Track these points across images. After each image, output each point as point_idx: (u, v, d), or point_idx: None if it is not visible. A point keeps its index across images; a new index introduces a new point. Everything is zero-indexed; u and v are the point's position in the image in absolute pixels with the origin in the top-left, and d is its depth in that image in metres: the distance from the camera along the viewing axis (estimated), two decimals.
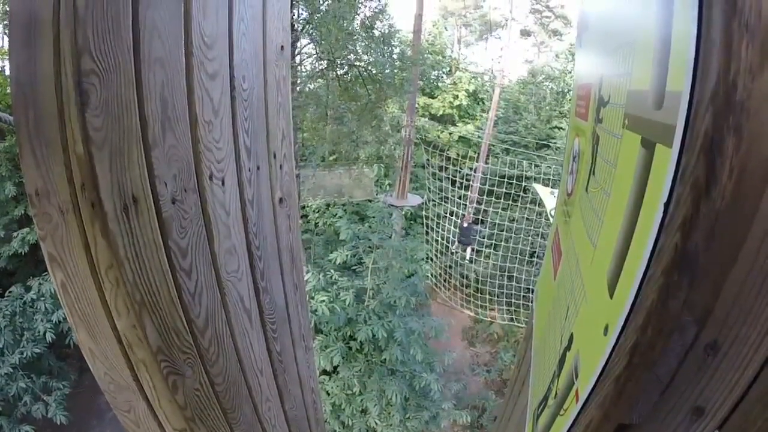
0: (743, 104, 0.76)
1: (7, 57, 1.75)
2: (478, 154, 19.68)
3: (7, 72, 12.53)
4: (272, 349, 2.21)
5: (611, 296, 1.05)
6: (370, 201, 15.84)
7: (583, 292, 1.33)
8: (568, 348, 1.35)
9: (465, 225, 17.13)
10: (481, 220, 17.92)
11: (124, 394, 1.62)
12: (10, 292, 10.86)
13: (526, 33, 26.48)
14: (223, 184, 1.73)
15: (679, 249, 0.83)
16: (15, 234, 11.92)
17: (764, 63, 0.75)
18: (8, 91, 11.53)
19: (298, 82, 12.30)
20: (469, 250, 17.83)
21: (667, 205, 0.83)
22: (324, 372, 11.24)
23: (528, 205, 17.04)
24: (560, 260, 1.88)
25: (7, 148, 12.14)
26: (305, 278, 11.04)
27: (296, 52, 12.10)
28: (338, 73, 12.50)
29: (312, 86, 12.97)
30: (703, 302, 0.90)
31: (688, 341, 0.94)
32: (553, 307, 1.81)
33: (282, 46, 2.15)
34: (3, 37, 14.41)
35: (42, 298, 10.54)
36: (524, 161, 17.28)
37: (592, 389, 1.06)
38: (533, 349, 2.21)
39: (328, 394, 11.14)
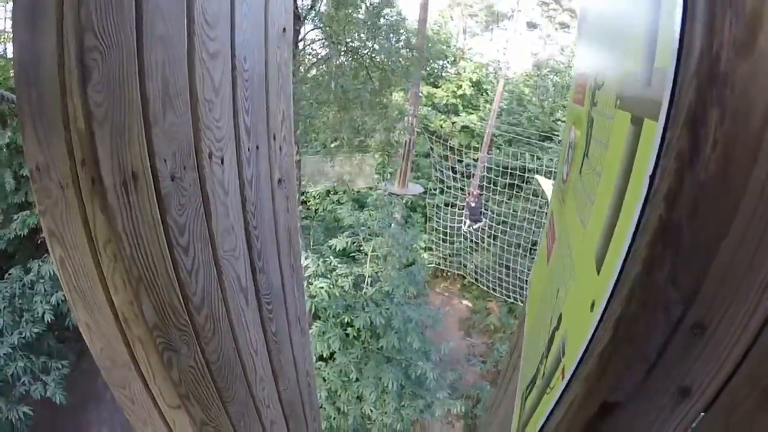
0: (726, 77, 0.77)
1: (11, 39, 1.76)
2: (481, 144, 19.65)
3: (9, 54, 12.57)
4: (267, 330, 2.23)
5: (598, 272, 1.06)
6: (370, 189, 15.85)
7: (573, 272, 1.34)
8: (557, 328, 1.37)
9: (473, 204, 17.11)
10: (482, 211, 17.91)
11: (120, 370, 1.64)
12: (9, 274, 10.94)
13: (532, 25, 26.36)
14: (222, 163, 1.74)
15: (663, 220, 0.84)
16: (15, 217, 11.96)
17: (747, 37, 0.76)
18: (11, 74, 11.56)
19: (301, 69, 12.28)
20: (482, 225, 17.75)
21: (652, 177, 0.85)
22: (321, 358, 11.30)
23: (530, 197, 17.06)
24: (554, 245, 1.90)
25: (12, 137, 12.16)
26: (304, 264, 11.09)
27: (299, 38, 12.08)
28: (342, 59, 12.48)
29: (315, 72, 12.94)
30: (690, 280, 0.91)
31: (674, 319, 0.94)
32: (545, 291, 1.82)
33: (284, 29, 2.15)
34: (4, 21, 14.40)
35: (41, 280, 10.61)
36: (527, 153, 17.29)
37: (577, 365, 1.08)
38: (525, 333, 2.23)
39: (325, 380, 11.20)
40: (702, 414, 1.01)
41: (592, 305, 1.04)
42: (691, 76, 0.78)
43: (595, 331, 1.01)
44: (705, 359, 0.96)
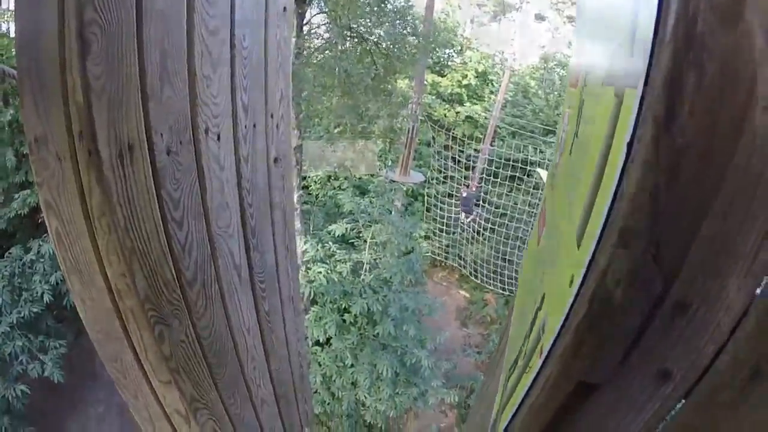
0: (704, 41, 0.77)
1: (14, 16, 1.78)
2: (484, 135, 19.59)
3: (12, 34, 12.59)
4: (260, 308, 2.24)
5: (578, 247, 1.06)
6: (372, 176, 15.83)
7: (557, 251, 1.35)
8: (539, 308, 1.37)
9: (464, 195, 17.13)
10: (482, 203, 17.90)
11: (112, 343, 1.66)
12: (9, 253, 10.98)
13: (540, 17, 26.22)
14: (218, 139, 1.75)
15: (639, 187, 0.84)
16: (16, 195, 11.97)
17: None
18: (14, 53, 11.52)
19: (305, 53, 12.24)
20: (473, 217, 17.76)
21: (630, 145, 0.84)
22: (317, 343, 11.34)
23: (531, 190, 17.04)
24: (543, 229, 1.91)
25: (14, 115, 12.14)
26: (304, 248, 11.12)
27: (305, 22, 12.03)
28: (347, 44, 12.43)
29: (320, 57, 12.89)
30: (671, 255, 0.89)
31: (654, 296, 0.93)
32: (534, 275, 1.84)
33: (284, 8, 2.16)
34: (8, 0, 14.40)
35: (41, 260, 10.65)
36: (530, 146, 17.27)
37: (554, 342, 1.08)
38: (512, 318, 2.24)
39: (320, 365, 11.24)
40: (683, 400, 1.00)
41: (571, 281, 1.04)
42: (668, 40, 0.78)
43: (572, 306, 1.00)
44: (687, 340, 0.94)
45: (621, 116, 0.92)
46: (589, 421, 1.11)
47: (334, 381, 11.23)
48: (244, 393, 2.20)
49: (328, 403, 11.32)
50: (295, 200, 11.04)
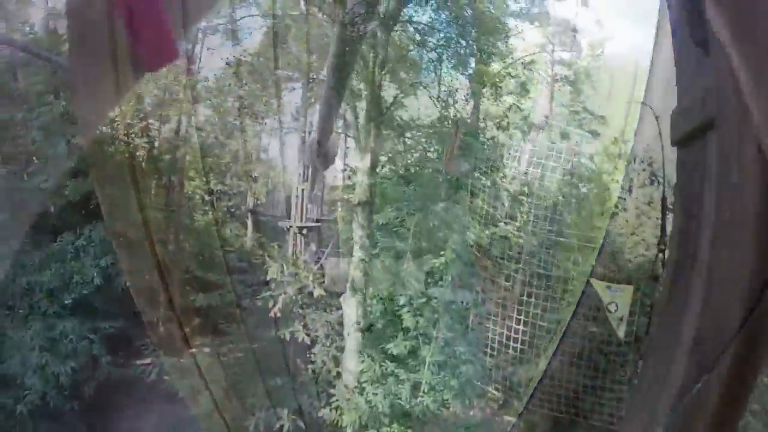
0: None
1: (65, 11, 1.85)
2: (532, 126, 19.31)
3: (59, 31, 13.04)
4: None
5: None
6: (417, 165, 15.75)
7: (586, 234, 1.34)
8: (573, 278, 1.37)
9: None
10: (525, 196, 17.68)
11: (157, 312, 1.71)
12: (61, 238, 11.37)
13: (585, 4, 25.68)
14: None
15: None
16: (68, 183, 12.31)
17: None
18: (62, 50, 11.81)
19: (347, 42, 12.20)
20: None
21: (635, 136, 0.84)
22: (360, 330, 11.39)
23: (578, 182, 16.75)
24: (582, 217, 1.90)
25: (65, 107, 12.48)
26: (348, 236, 11.24)
27: (346, 11, 11.99)
28: (392, 34, 12.37)
29: (363, 47, 12.83)
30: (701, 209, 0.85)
31: (685, 249, 0.90)
32: (567, 261, 1.83)
33: None
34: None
35: (92, 244, 11.00)
36: (577, 136, 17.00)
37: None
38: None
39: (362, 354, 11.30)
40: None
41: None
42: (669, 34, 0.78)
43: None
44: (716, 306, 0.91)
45: (629, 115, 0.91)
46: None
47: (374, 369, 11.27)
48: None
49: (369, 392, 11.36)
50: (339, 189, 11.13)
